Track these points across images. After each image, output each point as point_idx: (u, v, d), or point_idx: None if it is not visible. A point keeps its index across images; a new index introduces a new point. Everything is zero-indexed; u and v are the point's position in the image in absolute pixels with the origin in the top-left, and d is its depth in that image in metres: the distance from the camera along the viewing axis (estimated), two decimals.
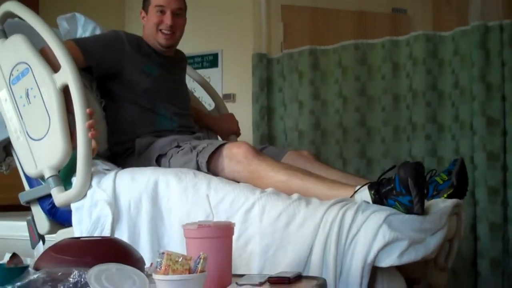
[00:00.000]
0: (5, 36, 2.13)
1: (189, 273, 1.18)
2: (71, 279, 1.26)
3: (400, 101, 3.08)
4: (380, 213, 1.59)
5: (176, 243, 1.76)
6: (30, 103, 1.99)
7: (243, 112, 3.30)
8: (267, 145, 2.54)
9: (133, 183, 1.87)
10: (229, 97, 4.07)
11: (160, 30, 2.31)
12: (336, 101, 3.20)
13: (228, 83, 4.15)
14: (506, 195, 2.74)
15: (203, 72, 3.72)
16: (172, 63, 2.42)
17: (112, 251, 1.43)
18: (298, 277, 1.41)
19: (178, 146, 2.10)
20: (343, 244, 1.58)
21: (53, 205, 1.99)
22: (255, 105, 3.35)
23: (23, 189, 2.18)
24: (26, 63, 2.01)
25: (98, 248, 1.44)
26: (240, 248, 1.65)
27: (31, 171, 2.00)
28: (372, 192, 1.66)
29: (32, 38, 2.06)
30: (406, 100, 3.04)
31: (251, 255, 1.67)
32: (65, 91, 1.94)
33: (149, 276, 1.29)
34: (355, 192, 1.73)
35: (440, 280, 1.85)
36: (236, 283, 1.32)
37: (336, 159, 3.17)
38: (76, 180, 1.89)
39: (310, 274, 1.56)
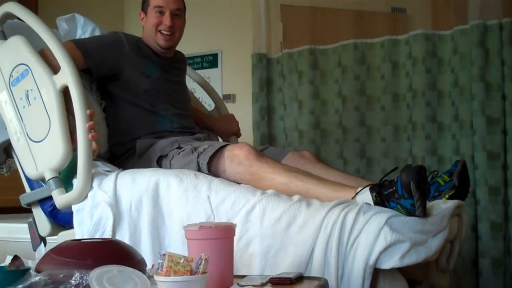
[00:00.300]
0: (5, 37, 2.13)
1: (191, 274, 1.19)
2: (72, 281, 1.26)
3: (399, 100, 3.08)
4: (381, 215, 1.59)
5: (177, 245, 1.76)
6: (30, 104, 1.99)
7: (243, 112, 3.30)
8: (268, 145, 2.54)
9: (134, 184, 1.87)
10: (229, 97, 4.06)
11: (159, 31, 2.31)
12: (336, 100, 3.20)
13: (228, 84, 4.15)
14: (507, 194, 2.74)
15: (202, 72, 3.73)
16: (171, 64, 2.42)
17: (113, 252, 1.43)
18: (300, 278, 1.41)
19: (179, 148, 2.10)
20: (344, 246, 1.58)
21: (54, 207, 1.99)
22: (255, 105, 3.35)
23: (24, 191, 2.18)
24: (26, 65, 2.01)
25: (100, 250, 1.44)
26: (241, 250, 1.65)
27: (32, 173, 2.00)
28: (374, 194, 1.66)
29: (32, 39, 2.05)
30: (406, 99, 3.04)
31: (252, 256, 1.67)
32: (65, 93, 1.93)
33: (150, 277, 1.29)
34: (357, 193, 1.73)
35: (441, 281, 1.85)
36: (238, 284, 1.32)
37: (336, 158, 3.17)
38: (77, 182, 1.89)
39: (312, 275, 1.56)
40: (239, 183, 1.89)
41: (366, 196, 1.69)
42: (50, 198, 1.98)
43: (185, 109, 2.42)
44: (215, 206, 1.69)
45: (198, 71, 3.24)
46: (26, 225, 2.19)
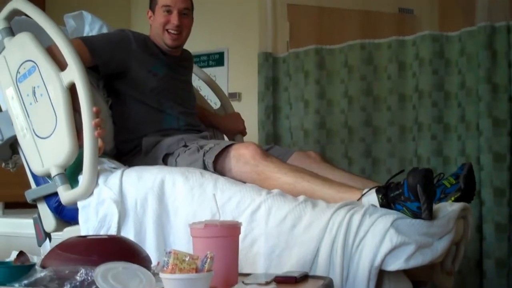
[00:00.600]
0: (12, 34, 2.13)
1: (196, 272, 1.19)
2: (77, 277, 1.27)
3: (406, 101, 3.07)
4: (387, 217, 1.58)
5: (182, 242, 1.76)
6: (36, 101, 1.99)
7: (248, 111, 3.30)
8: (273, 145, 2.54)
9: (139, 181, 1.87)
10: (235, 96, 4.06)
11: (167, 30, 2.31)
12: (342, 100, 3.20)
13: (233, 82, 4.15)
14: None
15: (208, 70, 3.73)
16: (178, 62, 2.42)
17: (118, 249, 1.43)
18: (305, 277, 1.41)
19: (185, 146, 2.10)
20: (350, 247, 1.58)
21: (60, 203, 1.99)
22: (261, 104, 3.35)
23: (29, 186, 2.18)
24: (33, 61, 2.02)
25: (105, 246, 1.44)
26: (245, 249, 1.65)
27: (38, 169, 2.01)
28: (380, 196, 1.66)
29: (39, 36, 2.06)
30: (412, 100, 3.03)
31: (256, 255, 1.67)
32: (72, 90, 1.94)
33: (155, 274, 1.29)
34: (362, 195, 1.72)
35: (446, 283, 1.84)
36: (243, 282, 1.32)
37: (341, 158, 3.17)
38: (83, 179, 1.89)
39: None
40: (245, 182, 1.89)
41: (372, 198, 1.69)
42: (55, 194, 1.99)
43: (191, 108, 2.42)
44: (220, 204, 1.69)
45: (204, 69, 3.24)
46: (31, 221, 2.19)
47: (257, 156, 1.90)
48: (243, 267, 1.60)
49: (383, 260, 1.54)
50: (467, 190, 1.87)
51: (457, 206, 1.71)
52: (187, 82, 2.51)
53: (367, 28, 3.21)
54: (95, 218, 1.86)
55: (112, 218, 1.83)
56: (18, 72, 2.05)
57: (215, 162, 1.95)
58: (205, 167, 1.96)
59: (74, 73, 1.92)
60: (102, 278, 1.22)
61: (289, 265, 1.60)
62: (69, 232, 1.97)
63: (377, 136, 3.13)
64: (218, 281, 1.30)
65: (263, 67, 3.34)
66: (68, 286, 1.26)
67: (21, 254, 1.47)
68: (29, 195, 2.12)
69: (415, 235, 1.56)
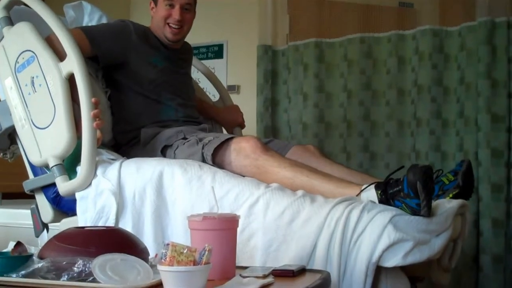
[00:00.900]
0: (11, 23, 2.12)
1: (194, 264, 1.19)
2: (75, 268, 1.27)
3: (405, 95, 3.07)
4: (385, 213, 1.59)
5: (180, 234, 1.76)
6: (35, 91, 1.99)
7: (247, 103, 3.30)
8: (272, 138, 2.54)
9: (138, 173, 1.87)
10: (234, 88, 4.06)
11: (168, 24, 2.30)
12: (341, 94, 3.20)
13: (232, 75, 4.14)
14: (510, 191, 2.73)
15: (207, 63, 3.72)
16: (178, 55, 2.41)
17: (116, 241, 1.43)
18: (302, 270, 1.41)
19: (184, 138, 2.10)
20: (347, 243, 1.58)
21: (57, 194, 1.99)
22: (260, 97, 3.34)
23: (27, 177, 2.18)
24: (32, 51, 2.01)
25: (103, 238, 1.44)
26: (243, 242, 1.65)
27: (36, 159, 2.00)
28: (379, 192, 1.66)
29: (39, 26, 2.05)
30: (411, 94, 3.03)
31: (254, 249, 1.67)
32: (70, 80, 1.93)
33: (153, 266, 1.30)
34: (361, 190, 1.72)
35: (443, 280, 1.85)
36: (240, 274, 1.32)
37: (340, 152, 3.17)
38: (81, 170, 1.89)
39: None
40: (243, 176, 1.89)
41: (371, 193, 1.69)
42: (53, 185, 1.98)
43: (190, 100, 2.42)
44: (218, 197, 1.69)
45: (203, 61, 3.23)
46: (29, 211, 2.19)
47: (258, 150, 1.90)
48: (241, 261, 1.60)
49: (380, 256, 1.54)
50: (465, 187, 1.87)
51: (455, 203, 1.72)
52: (186, 74, 2.50)
53: (367, 21, 3.20)
54: (93, 209, 1.86)
55: (110, 209, 1.83)
56: (17, 62, 2.04)
57: (214, 155, 1.95)
58: (203, 160, 1.96)
59: (73, 64, 1.91)
60: (99, 270, 1.23)
61: (287, 260, 1.60)
62: (67, 223, 1.97)
63: (376, 131, 3.13)
64: (216, 274, 1.30)
65: (262, 60, 3.34)
66: (66, 277, 1.26)
67: (18, 244, 1.47)
68: (27, 186, 2.12)
69: (413, 232, 1.56)
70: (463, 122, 2.85)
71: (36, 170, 2.14)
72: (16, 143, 2.20)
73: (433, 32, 2.94)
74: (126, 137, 2.26)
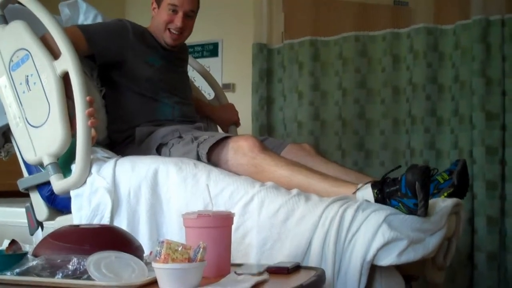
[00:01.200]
0: (6, 22, 2.12)
1: (189, 262, 1.19)
2: (70, 266, 1.27)
3: (399, 93, 3.07)
4: (380, 212, 1.59)
5: (174, 232, 1.76)
6: (30, 89, 1.98)
7: (242, 102, 3.30)
8: (267, 136, 2.54)
9: (133, 171, 1.87)
10: (229, 86, 4.06)
11: (169, 29, 2.30)
12: (336, 92, 3.20)
13: (228, 73, 4.14)
14: (504, 189, 2.74)
15: (203, 61, 3.72)
16: (175, 54, 2.41)
17: (111, 239, 1.43)
18: (297, 267, 1.42)
19: (179, 137, 2.09)
20: (342, 241, 1.58)
21: (52, 192, 1.99)
22: (255, 95, 3.34)
23: (22, 175, 2.18)
24: (26, 50, 2.00)
25: (98, 235, 1.44)
26: (237, 240, 1.65)
27: (30, 158, 2.00)
28: (375, 191, 1.66)
29: (33, 24, 2.05)
30: (406, 93, 3.04)
31: (248, 247, 1.67)
32: (65, 79, 1.93)
33: (148, 264, 1.30)
34: (357, 189, 1.73)
35: (437, 278, 1.85)
36: (235, 272, 1.32)
37: (335, 150, 3.17)
38: (76, 168, 1.89)
39: None
40: (239, 175, 1.89)
41: (367, 192, 1.69)
42: (48, 183, 1.98)
43: (187, 98, 2.42)
44: (213, 196, 1.69)
45: (198, 60, 3.24)
46: (23, 210, 2.19)
47: (255, 148, 1.90)
48: (235, 259, 1.60)
49: (375, 255, 1.54)
50: (460, 186, 1.88)
51: (450, 202, 1.73)
52: (184, 73, 2.51)
53: (362, 20, 3.20)
54: (88, 207, 1.85)
55: (105, 207, 1.83)
56: (11, 60, 2.04)
57: (210, 153, 1.95)
58: (198, 158, 1.96)
59: (67, 62, 1.91)
60: (94, 267, 1.23)
61: (281, 258, 1.60)
62: (62, 221, 1.97)
63: (371, 129, 3.13)
64: (211, 271, 1.30)
65: (257, 58, 3.33)
66: (60, 274, 1.26)
67: (13, 242, 1.46)
68: (22, 184, 2.11)
69: (407, 231, 1.56)
70: (457, 120, 2.85)
71: (30, 168, 2.14)
72: (11, 142, 2.20)
73: (427, 30, 2.94)
74: (121, 135, 2.26)
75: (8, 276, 1.29)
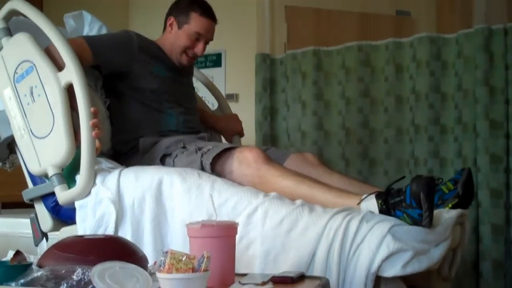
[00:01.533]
0: (10, 34, 2.13)
1: (193, 272, 1.19)
2: (74, 277, 1.27)
3: (403, 102, 3.08)
4: (384, 224, 1.58)
5: (178, 242, 1.76)
6: (34, 101, 1.99)
7: (246, 112, 3.30)
8: (270, 146, 2.55)
9: (137, 181, 1.87)
10: (232, 97, 4.06)
11: (186, 53, 2.34)
12: (339, 102, 3.20)
13: (231, 83, 4.15)
14: (509, 197, 2.73)
15: (206, 71, 3.73)
16: (181, 67, 2.42)
17: (115, 249, 1.43)
18: (301, 277, 1.41)
19: (183, 147, 2.10)
20: (347, 253, 1.58)
21: (57, 203, 1.99)
22: (258, 105, 3.35)
23: (26, 186, 2.18)
24: (31, 61, 2.02)
25: (102, 246, 1.44)
26: (241, 251, 1.65)
27: (35, 169, 2.00)
28: (380, 201, 1.66)
29: (37, 36, 2.06)
30: (409, 101, 3.04)
31: (252, 258, 1.67)
32: (69, 90, 1.94)
33: (152, 274, 1.30)
34: (362, 200, 1.72)
35: None
36: (239, 282, 1.32)
37: (339, 160, 3.17)
38: (80, 178, 1.89)
39: None
40: (243, 185, 1.89)
41: (371, 203, 1.68)
42: (52, 194, 1.98)
43: (192, 109, 2.43)
44: (217, 206, 1.69)
45: (202, 70, 3.24)
46: (28, 221, 2.19)
47: (260, 159, 1.91)
48: (239, 270, 1.59)
49: (379, 266, 1.54)
50: (465, 196, 1.87)
51: (454, 213, 1.72)
52: (189, 85, 2.52)
53: (364, 30, 3.22)
54: (93, 218, 1.86)
55: (110, 218, 1.83)
56: (15, 72, 2.05)
57: (213, 164, 1.95)
58: (202, 168, 1.96)
59: (71, 74, 1.92)
60: (99, 278, 1.23)
61: (285, 269, 1.59)
62: (66, 232, 1.97)
63: (374, 138, 3.14)
64: (215, 281, 1.30)
65: (260, 68, 3.34)
66: (65, 285, 1.26)
67: (18, 253, 1.46)
68: (26, 195, 2.12)
69: (412, 242, 1.56)
70: (461, 128, 2.85)
71: (35, 179, 2.14)
72: (15, 153, 2.21)
73: (430, 39, 2.95)
74: (125, 146, 2.26)
75: (13, 287, 1.29)
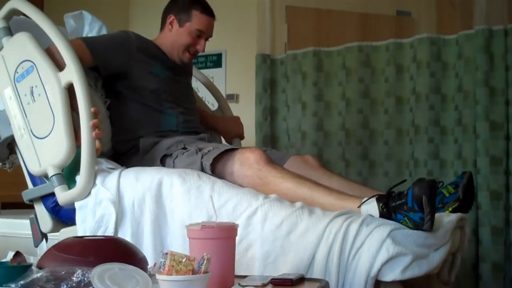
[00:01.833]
0: (11, 33, 2.13)
1: (193, 273, 1.19)
2: (74, 278, 1.27)
3: (403, 103, 3.08)
4: (384, 227, 1.58)
5: (178, 243, 1.76)
6: (34, 101, 1.99)
7: (246, 112, 3.31)
8: (269, 148, 2.54)
9: (137, 182, 1.87)
10: (232, 97, 4.06)
11: (188, 51, 2.36)
12: (340, 103, 3.20)
13: (231, 84, 4.15)
14: (509, 199, 2.73)
15: (206, 72, 3.73)
16: (180, 67, 2.42)
17: (115, 250, 1.43)
18: (301, 279, 1.41)
19: (184, 148, 2.10)
20: (346, 256, 1.57)
21: (56, 204, 1.99)
22: (258, 106, 3.34)
23: (26, 187, 2.18)
24: (31, 61, 2.02)
25: (102, 247, 1.44)
26: (240, 253, 1.65)
27: (35, 169, 2.00)
28: (381, 205, 1.65)
29: (38, 36, 2.05)
30: (409, 102, 3.04)
31: (251, 260, 1.67)
32: (69, 90, 1.94)
33: (152, 276, 1.30)
34: (362, 203, 1.72)
35: None
36: (239, 284, 1.32)
37: (339, 160, 3.17)
38: (80, 179, 1.89)
39: None
40: (242, 187, 1.89)
41: (371, 206, 1.67)
42: (52, 194, 1.99)
43: (191, 109, 2.43)
44: (217, 207, 1.69)
45: (202, 71, 3.24)
46: (28, 221, 2.19)
47: (261, 161, 1.91)
48: (238, 272, 1.59)
49: (379, 270, 1.54)
50: (465, 200, 1.87)
51: (454, 217, 1.73)
52: (188, 85, 2.52)
53: (365, 30, 3.21)
54: (92, 218, 1.86)
55: (110, 218, 1.83)
56: (16, 71, 2.05)
57: (214, 165, 1.95)
58: (202, 169, 1.96)
59: (72, 74, 1.92)
60: (98, 279, 1.22)
61: (284, 271, 1.59)
62: (66, 233, 1.97)
63: (374, 139, 3.13)
64: (215, 283, 1.30)
65: (261, 69, 3.34)
66: (65, 286, 1.25)
67: (17, 254, 1.46)
68: (26, 196, 2.12)
69: (411, 246, 1.56)
70: (461, 129, 2.85)
71: (35, 179, 2.14)
72: (15, 153, 2.21)
73: (430, 40, 2.95)
74: (125, 146, 2.26)
75: None
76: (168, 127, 2.27)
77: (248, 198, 1.77)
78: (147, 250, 1.76)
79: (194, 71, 2.76)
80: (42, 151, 1.97)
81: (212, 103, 2.98)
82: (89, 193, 1.90)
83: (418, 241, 1.57)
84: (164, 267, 1.18)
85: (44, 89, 1.97)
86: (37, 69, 1.99)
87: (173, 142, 2.14)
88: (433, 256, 1.59)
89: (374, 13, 3.25)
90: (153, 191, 1.84)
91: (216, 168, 1.96)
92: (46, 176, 1.99)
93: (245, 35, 3.88)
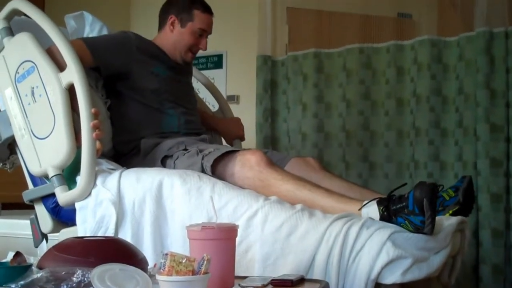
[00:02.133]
0: (12, 34, 2.13)
1: (193, 274, 1.19)
2: (74, 279, 1.27)
3: (404, 105, 3.08)
4: (384, 230, 1.58)
5: (178, 244, 1.76)
6: (35, 101, 1.99)
7: (246, 113, 3.31)
8: (270, 150, 2.54)
9: (138, 183, 1.87)
10: (233, 98, 4.06)
11: (191, 50, 2.37)
12: (340, 104, 3.20)
13: (232, 85, 4.15)
14: (509, 202, 2.73)
15: (207, 73, 3.73)
16: (180, 67, 2.43)
17: (115, 251, 1.43)
18: (301, 280, 1.41)
19: (185, 149, 2.10)
20: (346, 259, 1.57)
21: (57, 204, 1.99)
22: (259, 107, 3.35)
23: (27, 187, 2.18)
24: (32, 61, 2.01)
25: (102, 248, 1.44)
26: (240, 254, 1.65)
27: (35, 169, 2.00)
28: (381, 208, 1.65)
29: (39, 36, 2.06)
30: (410, 104, 3.04)
31: (251, 262, 1.67)
32: (70, 90, 1.94)
33: (152, 276, 1.30)
34: (363, 206, 1.72)
35: None
36: (239, 284, 1.32)
37: (339, 162, 3.17)
38: (81, 180, 1.89)
39: None
40: (243, 188, 1.89)
41: (372, 209, 1.68)
42: (53, 195, 1.98)
43: (192, 109, 2.43)
44: (217, 208, 1.69)
45: (203, 72, 3.25)
46: (28, 222, 2.19)
47: (262, 163, 1.91)
48: (237, 273, 1.59)
49: (379, 273, 1.54)
50: (465, 204, 1.87)
51: (454, 220, 1.73)
52: (189, 85, 2.52)
53: (366, 32, 3.22)
54: (93, 219, 1.86)
55: (110, 219, 1.83)
56: (17, 72, 2.05)
57: (215, 166, 1.95)
58: (203, 171, 1.96)
59: (73, 74, 1.92)
60: (98, 280, 1.22)
61: (284, 273, 1.58)
62: (66, 233, 1.97)
63: (375, 140, 3.14)
64: (215, 284, 1.30)
65: (261, 70, 3.34)
66: (65, 287, 1.25)
67: (17, 254, 1.46)
68: (26, 196, 2.12)
69: (412, 249, 1.56)
70: (462, 132, 2.85)
71: (35, 180, 2.14)
72: (16, 153, 2.21)
73: (431, 42, 2.95)
74: (126, 147, 2.26)
75: None
76: (170, 128, 2.27)
77: (249, 200, 1.77)
78: (147, 251, 1.76)
79: (195, 71, 2.76)
80: (42, 151, 1.97)
81: (212, 104, 2.98)
82: (89, 194, 1.89)
83: (419, 244, 1.57)
84: (164, 268, 1.18)
85: (45, 90, 1.97)
86: (38, 70, 1.99)
87: (174, 143, 2.14)
88: (433, 259, 1.59)
89: (375, 15, 3.26)
90: (154, 192, 1.84)
91: (216, 170, 1.96)
92: (46, 176, 1.98)
93: (246, 36, 3.88)
